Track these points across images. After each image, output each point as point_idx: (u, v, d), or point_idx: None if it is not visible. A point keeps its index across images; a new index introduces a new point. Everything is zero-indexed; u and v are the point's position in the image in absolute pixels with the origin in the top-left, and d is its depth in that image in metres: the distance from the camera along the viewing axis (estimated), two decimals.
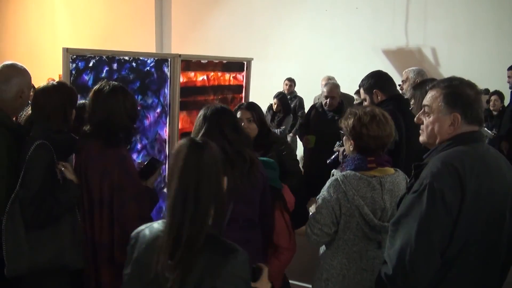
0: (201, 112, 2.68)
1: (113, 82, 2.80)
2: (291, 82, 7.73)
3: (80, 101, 3.00)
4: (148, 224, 1.82)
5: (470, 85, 2.05)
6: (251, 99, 4.99)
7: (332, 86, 5.29)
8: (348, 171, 2.53)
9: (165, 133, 4.07)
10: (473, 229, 1.90)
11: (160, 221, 1.78)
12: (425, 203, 1.88)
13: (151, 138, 3.92)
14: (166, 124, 4.06)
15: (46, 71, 8.22)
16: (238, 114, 3.43)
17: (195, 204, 1.63)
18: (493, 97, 6.31)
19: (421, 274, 1.91)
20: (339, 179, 2.50)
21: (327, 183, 2.56)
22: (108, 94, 2.69)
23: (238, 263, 1.63)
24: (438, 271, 1.92)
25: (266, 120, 3.60)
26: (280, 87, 7.65)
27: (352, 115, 2.58)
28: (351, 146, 2.60)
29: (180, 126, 4.07)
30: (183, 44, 8.93)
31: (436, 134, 2.06)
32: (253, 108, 3.49)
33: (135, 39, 9.18)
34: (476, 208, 1.90)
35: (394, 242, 1.97)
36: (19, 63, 2.99)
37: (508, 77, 6.05)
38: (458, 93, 2.01)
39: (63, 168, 2.63)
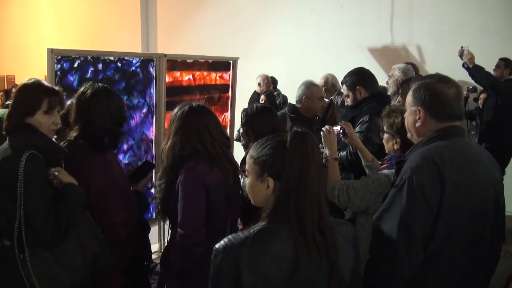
0: (179, 111, 2.61)
1: (98, 84, 2.72)
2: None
3: (68, 102, 2.97)
4: (228, 243, 1.62)
5: (445, 80, 2.08)
6: (237, 98, 5.00)
7: None
8: None
9: (151, 133, 4.06)
10: (455, 222, 1.93)
11: (243, 233, 1.64)
12: (405, 197, 1.92)
13: (138, 138, 3.91)
14: (152, 124, 4.06)
15: (31, 72, 8.15)
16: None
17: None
18: (482, 95, 6.36)
19: (404, 267, 1.93)
20: (388, 176, 2.51)
21: (373, 176, 2.60)
22: (91, 98, 2.61)
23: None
24: (423, 265, 1.95)
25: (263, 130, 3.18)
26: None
27: (399, 113, 2.60)
28: (396, 145, 2.62)
29: (166, 126, 4.06)
30: (168, 43, 8.89)
31: (409, 128, 2.13)
32: (245, 114, 3.21)
33: (121, 39, 9.13)
34: (458, 202, 1.93)
35: (377, 237, 2.00)
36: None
37: (497, 66, 6.15)
38: (425, 88, 2.06)
39: (56, 173, 2.37)
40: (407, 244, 1.92)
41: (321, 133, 2.94)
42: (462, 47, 5.96)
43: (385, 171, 2.64)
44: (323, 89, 4.93)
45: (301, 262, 1.57)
